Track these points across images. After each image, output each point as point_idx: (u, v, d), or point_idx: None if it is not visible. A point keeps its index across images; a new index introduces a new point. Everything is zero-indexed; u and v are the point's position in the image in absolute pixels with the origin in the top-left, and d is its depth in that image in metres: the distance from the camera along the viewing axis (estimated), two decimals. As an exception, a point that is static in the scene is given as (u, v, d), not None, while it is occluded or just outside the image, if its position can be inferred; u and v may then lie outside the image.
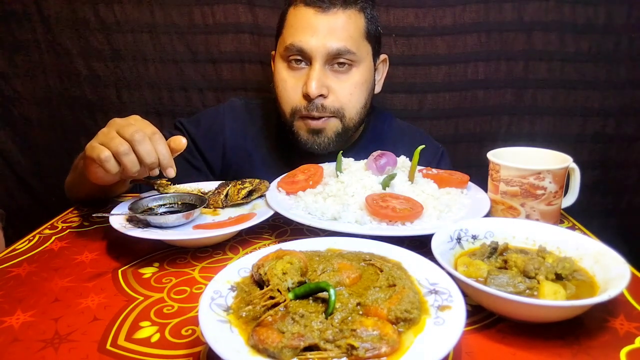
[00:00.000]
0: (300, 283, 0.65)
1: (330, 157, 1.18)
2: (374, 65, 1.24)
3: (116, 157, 0.84)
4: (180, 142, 0.92)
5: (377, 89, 1.30)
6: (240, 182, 1.06)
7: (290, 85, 1.17)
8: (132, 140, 0.84)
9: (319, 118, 1.17)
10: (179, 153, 0.93)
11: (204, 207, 1.00)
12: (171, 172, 0.90)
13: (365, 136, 1.35)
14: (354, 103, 1.18)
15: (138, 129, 0.85)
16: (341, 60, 1.14)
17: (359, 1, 1.15)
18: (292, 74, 1.17)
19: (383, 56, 1.29)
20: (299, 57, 1.15)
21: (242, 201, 1.03)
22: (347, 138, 1.23)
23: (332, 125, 1.18)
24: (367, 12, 1.18)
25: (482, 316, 0.69)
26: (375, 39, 1.22)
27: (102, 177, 0.92)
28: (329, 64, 1.15)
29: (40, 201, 1.74)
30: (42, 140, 1.70)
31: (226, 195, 1.03)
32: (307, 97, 1.14)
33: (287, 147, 1.26)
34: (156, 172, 0.91)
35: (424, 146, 1.04)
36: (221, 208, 1.03)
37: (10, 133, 1.68)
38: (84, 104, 1.66)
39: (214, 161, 1.33)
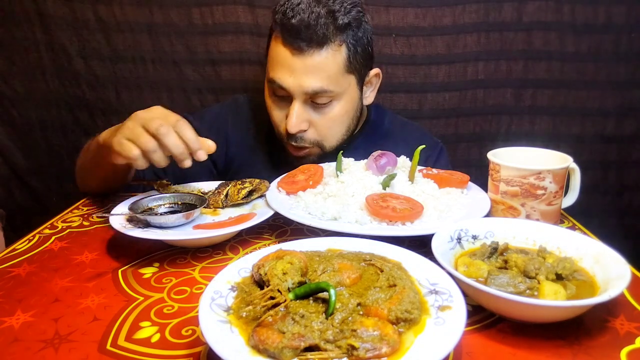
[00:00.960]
0: (301, 283, 0.64)
1: (332, 154, 1.19)
2: (360, 88, 1.22)
3: (145, 154, 0.86)
4: (209, 146, 0.92)
5: (369, 100, 1.29)
6: (240, 182, 1.06)
7: (276, 114, 1.20)
8: (158, 135, 0.85)
9: (299, 148, 1.20)
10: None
11: (204, 207, 1.00)
12: (202, 154, 0.90)
13: (365, 133, 1.35)
14: (333, 133, 1.20)
15: (162, 123, 0.86)
16: (321, 98, 1.13)
17: (337, 36, 1.09)
18: (278, 104, 1.19)
19: (375, 71, 1.25)
20: (281, 91, 1.14)
21: (242, 201, 1.03)
22: (332, 153, 1.23)
23: (313, 152, 1.22)
24: (349, 41, 1.11)
25: (483, 316, 0.69)
26: (362, 63, 1.17)
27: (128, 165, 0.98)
28: (309, 100, 1.14)
29: (40, 201, 1.74)
30: (42, 141, 1.69)
31: (226, 195, 1.03)
32: (287, 132, 1.16)
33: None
34: (188, 163, 0.90)
35: (424, 146, 1.04)
36: (221, 208, 1.03)
37: (10, 133, 1.67)
38: (83, 104, 1.66)
39: (217, 156, 1.33)
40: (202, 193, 1.06)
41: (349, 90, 1.17)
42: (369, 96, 1.28)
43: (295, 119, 1.13)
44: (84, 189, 1.24)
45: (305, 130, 1.17)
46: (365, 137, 1.34)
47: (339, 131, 1.21)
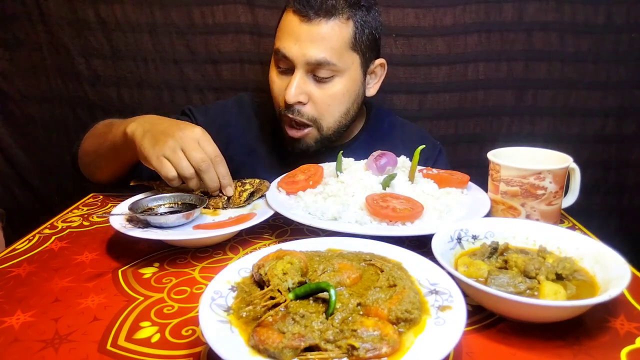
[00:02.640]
0: (301, 283, 0.65)
1: (332, 154, 1.19)
2: (364, 72, 1.22)
3: (181, 178, 0.94)
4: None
5: (372, 92, 1.29)
6: (240, 183, 1.06)
7: (277, 87, 1.20)
8: (199, 169, 0.94)
9: (297, 128, 1.19)
10: None
11: (204, 208, 1.00)
12: (230, 190, 1.01)
13: (365, 133, 1.35)
14: (331, 112, 1.19)
15: (204, 157, 0.94)
16: (322, 70, 1.14)
17: (345, 10, 1.12)
18: (280, 76, 1.20)
19: (380, 61, 1.26)
20: (284, 62, 1.16)
21: (244, 204, 1.03)
22: (330, 141, 1.24)
23: (310, 134, 1.21)
24: (357, 19, 1.14)
25: (483, 316, 0.69)
26: (368, 46, 1.19)
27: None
28: (311, 73, 1.15)
29: (41, 200, 1.74)
30: (44, 140, 1.70)
31: (228, 199, 1.03)
32: (285, 102, 1.16)
33: (292, 151, 1.27)
34: (216, 193, 1.01)
35: (424, 146, 1.04)
36: (222, 209, 1.03)
37: (12, 132, 1.68)
38: (85, 103, 1.66)
39: None
40: (202, 193, 1.05)
41: (352, 70, 1.18)
42: (373, 87, 1.28)
43: (294, 89, 1.13)
44: (90, 175, 1.25)
45: (304, 104, 1.17)
46: (365, 137, 1.35)
47: (338, 110, 1.20)
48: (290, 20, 1.13)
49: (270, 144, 1.34)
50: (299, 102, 1.16)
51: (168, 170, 0.93)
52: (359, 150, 1.20)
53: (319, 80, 1.15)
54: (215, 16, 1.56)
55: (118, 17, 1.56)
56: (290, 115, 1.18)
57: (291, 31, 1.13)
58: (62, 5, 1.56)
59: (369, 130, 1.36)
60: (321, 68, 1.13)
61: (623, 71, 1.61)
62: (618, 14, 1.55)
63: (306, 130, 1.20)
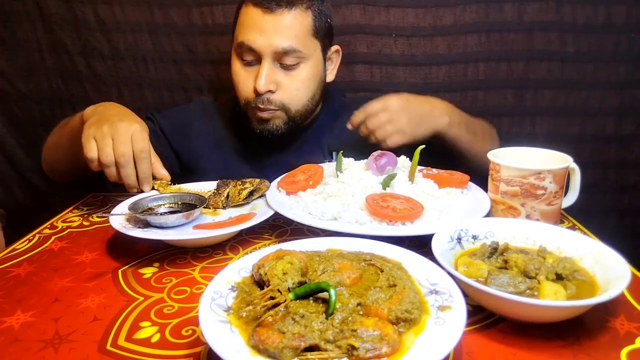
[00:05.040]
0: (301, 283, 0.65)
1: (296, 135, 1.21)
2: (324, 58, 1.28)
3: (100, 163, 0.96)
4: (162, 175, 1.06)
5: (330, 77, 1.34)
6: (240, 182, 1.06)
7: (243, 79, 1.23)
8: (118, 161, 0.96)
9: (265, 110, 1.22)
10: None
11: (204, 208, 1.00)
12: (146, 187, 1.02)
13: (322, 113, 1.39)
14: (300, 97, 1.24)
15: (126, 153, 0.95)
16: (289, 58, 1.17)
17: (305, 0, 1.18)
18: (245, 68, 1.22)
19: (335, 47, 1.32)
20: (249, 54, 1.19)
21: (243, 202, 1.03)
22: (297, 124, 1.28)
23: (278, 116, 1.24)
24: (315, 9, 1.20)
25: (483, 316, 0.69)
26: (325, 34, 1.25)
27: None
28: (277, 61, 1.19)
29: (41, 200, 1.74)
30: (44, 139, 1.69)
31: (227, 197, 1.03)
32: (256, 92, 1.19)
33: (256, 137, 1.28)
34: (134, 190, 1.01)
35: (424, 146, 1.04)
36: (222, 209, 1.03)
37: (13, 132, 1.68)
38: (85, 103, 1.63)
39: (181, 152, 1.39)
40: (202, 193, 1.05)
41: (315, 56, 1.23)
42: (330, 73, 1.35)
43: (264, 79, 1.17)
44: (51, 172, 1.27)
45: (273, 92, 1.20)
46: (323, 117, 1.39)
47: (305, 95, 1.25)
48: (252, 14, 1.16)
49: (236, 138, 1.37)
50: (269, 91, 1.19)
51: (90, 151, 0.95)
52: (318, 129, 1.30)
53: (286, 68, 1.19)
54: (215, 16, 1.56)
55: (117, 18, 1.56)
56: (261, 105, 1.20)
57: (254, 24, 1.16)
58: (61, 6, 1.56)
59: (325, 110, 1.40)
60: (287, 56, 1.17)
61: (623, 71, 1.60)
62: (618, 14, 1.55)
63: (275, 113, 1.22)
